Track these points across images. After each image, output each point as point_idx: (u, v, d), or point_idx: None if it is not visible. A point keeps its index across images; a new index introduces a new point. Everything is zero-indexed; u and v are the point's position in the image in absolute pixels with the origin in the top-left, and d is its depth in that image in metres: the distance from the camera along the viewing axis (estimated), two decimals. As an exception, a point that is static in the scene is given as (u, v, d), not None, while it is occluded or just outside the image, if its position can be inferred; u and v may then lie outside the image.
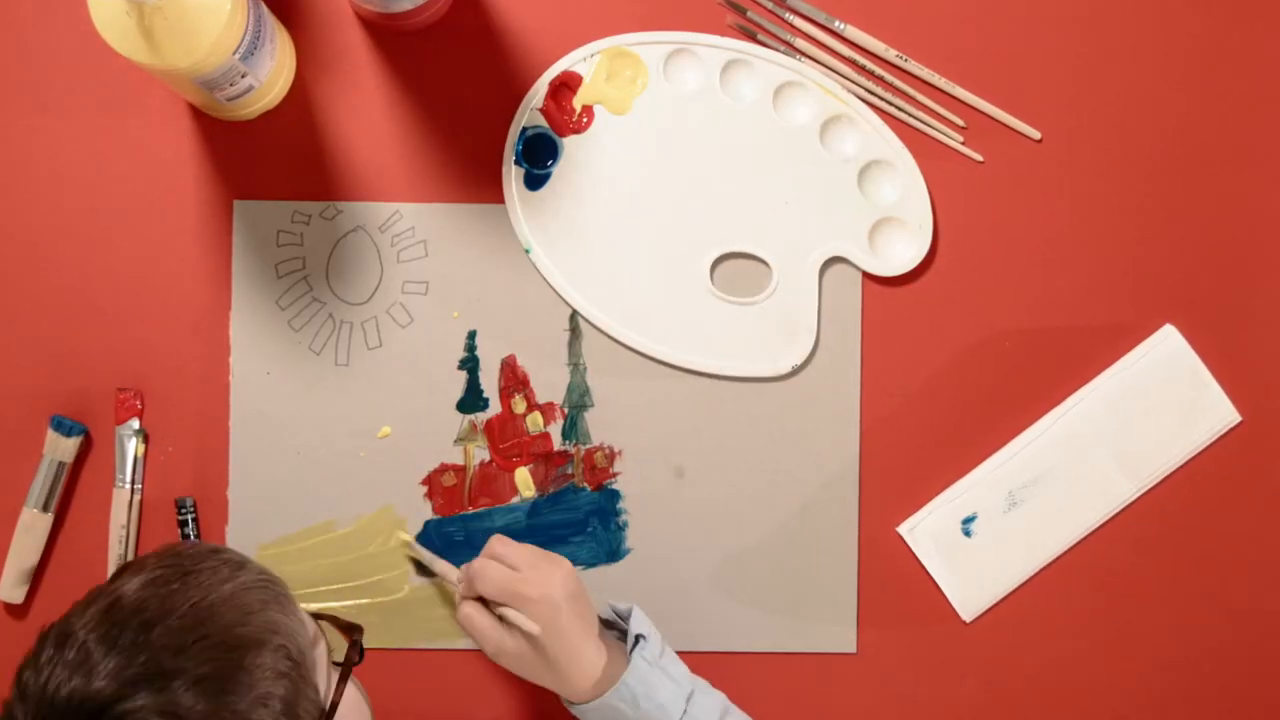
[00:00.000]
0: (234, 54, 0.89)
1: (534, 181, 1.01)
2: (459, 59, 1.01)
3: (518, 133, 1.01)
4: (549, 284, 1.01)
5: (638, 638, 0.92)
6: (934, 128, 1.02)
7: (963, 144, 1.02)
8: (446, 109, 1.01)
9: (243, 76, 0.92)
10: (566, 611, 0.89)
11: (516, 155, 1.01)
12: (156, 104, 1.01)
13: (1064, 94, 1.02)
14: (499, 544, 0.93)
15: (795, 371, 1.01)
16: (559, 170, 1.01)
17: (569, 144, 1.01)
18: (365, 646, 0.81)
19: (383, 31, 1.01)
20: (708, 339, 1.02)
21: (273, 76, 0.97)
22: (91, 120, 1.00)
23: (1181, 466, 1.02)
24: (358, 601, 1.00)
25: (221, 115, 1.00)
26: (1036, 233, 1.02)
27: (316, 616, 0.80)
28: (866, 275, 1.02)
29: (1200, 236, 1.02)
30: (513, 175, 1.01)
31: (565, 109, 1.01)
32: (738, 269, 1.02)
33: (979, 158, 1.02)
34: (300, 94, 1.01)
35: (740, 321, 1.02)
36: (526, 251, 1.01)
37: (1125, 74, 1.02)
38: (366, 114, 1.01)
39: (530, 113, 1.01)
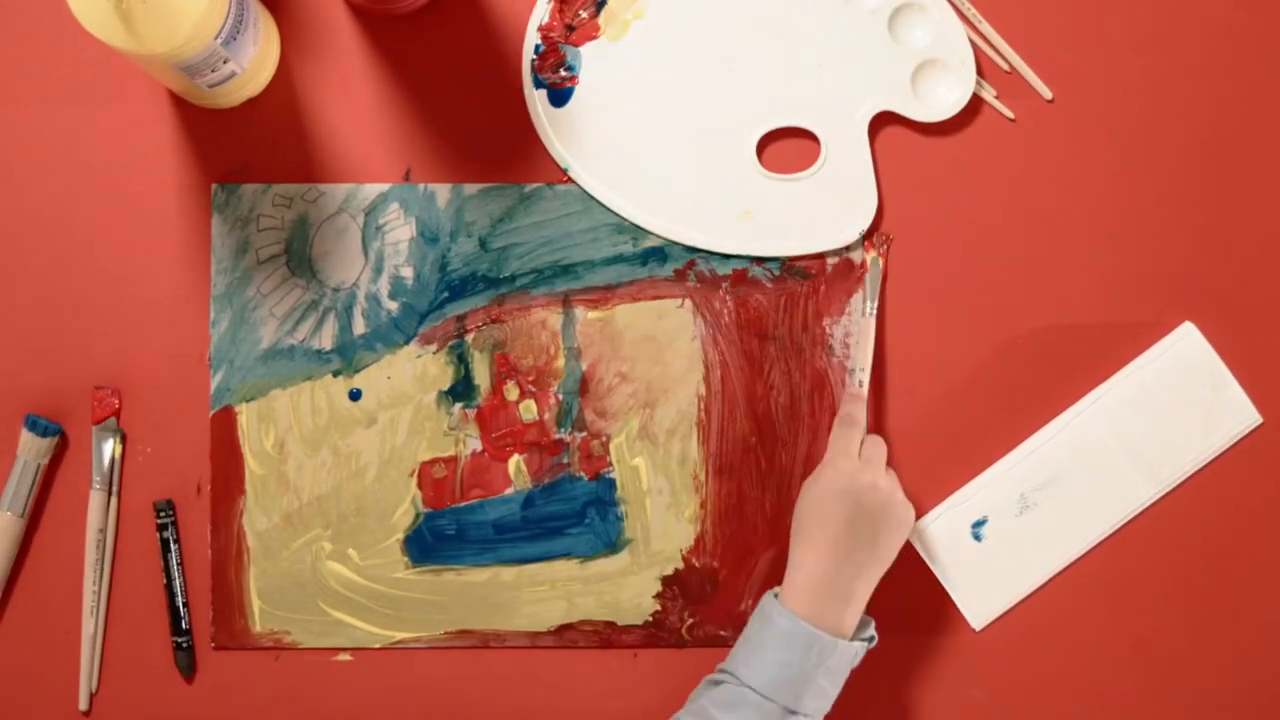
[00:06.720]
0: (215, 39, 0.88)
1: (559, 99, 0.99)
2: (449, 44, 1.00)
3: (531, 51, 0.99)
4: (594, 199, 0.99)
5: (871, 637, 0.94)
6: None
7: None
8: (437, 95, 1.00)
9: (225, 62, 0.92)
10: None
11: (534, 77, 0.98)
12: (135, 92, 0.99)
13: (1082, 83, 1.01)
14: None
15: (865, 236, 0.99)
16: (583, 79, 0.99)
17: (585, 51, 0.99)
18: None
19: (370, 16, 1.00)
20: (768, 225, 1.00)
21: (256, 63, 0.96)
22: (67, 109, 0.99)
23: (1200, 470, 1.01)
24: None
25: (203, 103, 0.99)
26: (1051, 227, 1.01)
27: None
28: (911, 126, 0.99)
29: (1220, 231, 1.01)
30: (536, 99, 0.99)
31: (571, 16, 0.99)
32: (785, 147, 1.00)
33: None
34: (285, 81, 1.00)
35: (799, 198, 1.00)
36: (565, 170, 0.99)
37: (1146, 62, 1.01)
38: (354, 102, 1.00)
39: (533, 34, 0.99)
